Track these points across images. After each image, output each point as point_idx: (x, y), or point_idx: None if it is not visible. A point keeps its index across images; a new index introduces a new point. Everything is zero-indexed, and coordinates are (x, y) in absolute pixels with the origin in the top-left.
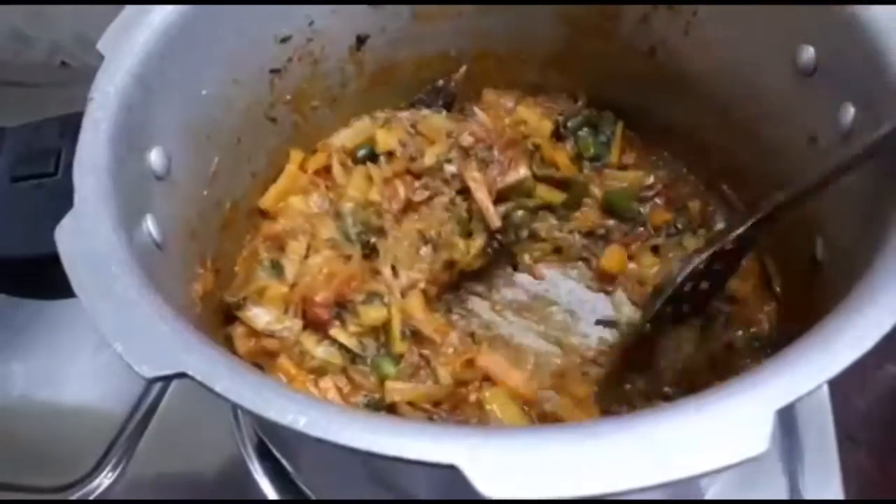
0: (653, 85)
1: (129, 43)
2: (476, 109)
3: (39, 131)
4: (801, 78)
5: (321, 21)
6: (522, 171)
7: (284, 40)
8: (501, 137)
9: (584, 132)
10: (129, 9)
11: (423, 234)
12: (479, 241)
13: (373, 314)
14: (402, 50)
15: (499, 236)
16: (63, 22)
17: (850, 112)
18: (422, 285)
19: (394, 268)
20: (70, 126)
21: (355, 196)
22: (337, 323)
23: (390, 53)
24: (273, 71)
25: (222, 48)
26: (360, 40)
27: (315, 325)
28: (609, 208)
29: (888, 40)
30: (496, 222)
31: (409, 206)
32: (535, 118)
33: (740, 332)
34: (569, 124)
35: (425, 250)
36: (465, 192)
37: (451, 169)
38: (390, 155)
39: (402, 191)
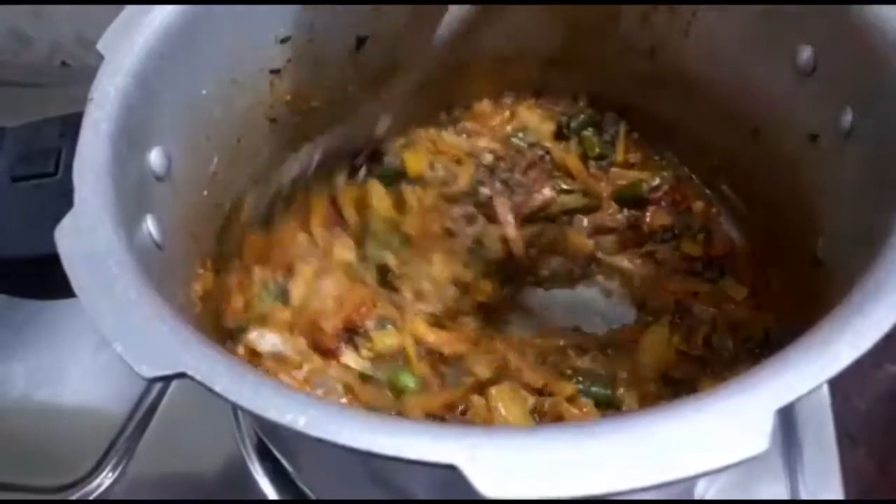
0: (653, 85)
1: (129, 43)
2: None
3: (39, 131)
4: (801, 78)
5: (321, 21)
6: (547, 192)
7: (284, 40)
8: (522, 156)
9: (588, 132)
10: (129, 9)
11: (457, 280)
12: (497, 279)
13: (387, 341)
14: (402, 51)
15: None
16: (63, 22)
17: (849, 112)
18: (438, 312)
19: (418, 294)
20: (70, 126)
21: (387, 217)
22: (349, 348)
23: (390, 54)
24: (273, 71)
25: (222, 48)
26: (360, 41)
27: (322, 352)
28: (622, 201)
29: (888, 40)
30: (519, 250)
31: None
32: (536, 121)
33: (731, 333)
34: (571, 125)
35: (452, 290)
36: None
37: (485, 192)
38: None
39: (436, 227)
